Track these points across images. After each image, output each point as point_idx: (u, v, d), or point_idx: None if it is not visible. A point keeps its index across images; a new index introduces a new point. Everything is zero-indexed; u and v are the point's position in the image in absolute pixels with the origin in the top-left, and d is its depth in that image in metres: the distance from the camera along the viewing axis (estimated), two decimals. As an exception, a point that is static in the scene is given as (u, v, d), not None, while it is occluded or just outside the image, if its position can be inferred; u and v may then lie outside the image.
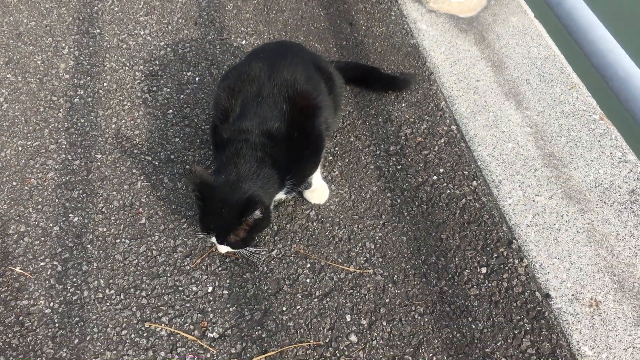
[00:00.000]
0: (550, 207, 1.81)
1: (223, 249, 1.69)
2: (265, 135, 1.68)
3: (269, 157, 1.67)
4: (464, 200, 1.86)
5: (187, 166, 1.56)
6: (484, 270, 1.70)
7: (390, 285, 1.69)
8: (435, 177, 1.92)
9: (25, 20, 2.54)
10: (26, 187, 1.96)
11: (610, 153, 1.92)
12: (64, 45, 2.43)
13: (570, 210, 1.80)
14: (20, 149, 2.07)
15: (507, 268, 1.70)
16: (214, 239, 1.65)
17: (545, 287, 1.65)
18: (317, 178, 1.86)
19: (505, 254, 1.73)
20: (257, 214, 1.58)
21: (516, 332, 1.58)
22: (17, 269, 1.76)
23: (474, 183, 1.90)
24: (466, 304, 1.64)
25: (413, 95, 2.16)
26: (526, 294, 1.65)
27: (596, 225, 1.76)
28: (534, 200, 1.83)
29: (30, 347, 1.60)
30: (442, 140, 2.01)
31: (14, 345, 1.61)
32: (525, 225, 1.78)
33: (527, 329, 1.59)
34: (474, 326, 1.60)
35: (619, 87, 1.46)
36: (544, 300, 1.63)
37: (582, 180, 1.86)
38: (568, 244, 1.73)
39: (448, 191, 1.88)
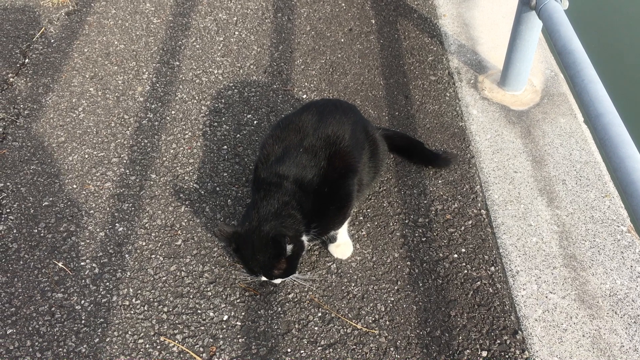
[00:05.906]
0: (561, 307, 1.86)
1: (277, 281, 1.83)
2: (296, 183, 1.79)
3: (295, 202, 1.77)
4: (479, 282, 1.93)
5: (216, 228, 1.71)
6: (484, 354, 1.76)
7: (392, 349, 1.76)
8: (455, 256, 2.00)
9: (116, 42, 2.82)
10: (84, 192, 2.16)
11: (631, 266, 1.96)
12: (144, 70, 2.68)
13: (580, 314, 1.84)
14: (86, 156, 2.29)
15: (507, 356, 1.75)
16: (263, 277, 1.78)
17: (541, 382, 1.69)
18: (343, 234, 1.98)
19: (508, 342, 1.79)
20: (289, 248, 1.70)
21: (504, 420, 1.63)
22: (60, 264, 1.94)
23: (492, 268, 1.97)
24: (461, 382, 1.70)
25: (451, 174, 2.27)
26: (521, 385, 1.69)
27: (603, 333, 1.80)
28: (546, 297, 1.89)
29: (55, 337, 1.76)
30: (470, 222, 2.10)
31: (41, 332, 1.77)
32: (534, 319, 1.84)
33: (515, 419, 1.63)
34: (463, 406, 1.66)
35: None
36: (537, 395, 1.67)
37: (597, 287, 1.91)
38: (572, 345, 1.77)
39: (465, 271, 1.96)
